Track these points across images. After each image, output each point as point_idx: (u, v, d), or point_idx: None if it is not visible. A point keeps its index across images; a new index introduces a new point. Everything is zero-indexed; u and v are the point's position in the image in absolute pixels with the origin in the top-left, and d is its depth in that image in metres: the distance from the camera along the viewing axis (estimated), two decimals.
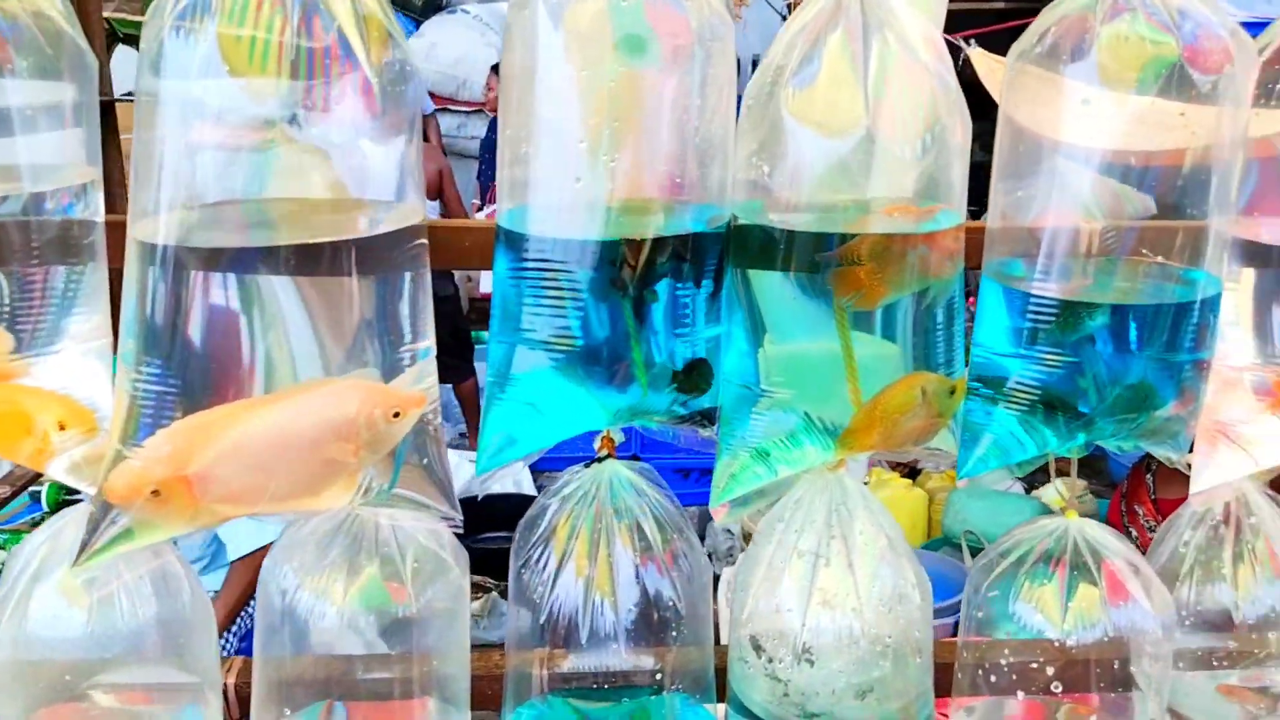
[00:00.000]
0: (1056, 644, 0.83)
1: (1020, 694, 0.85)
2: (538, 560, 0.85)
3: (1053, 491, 4.74)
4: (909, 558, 0.84)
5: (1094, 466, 5.46)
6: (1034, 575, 0.85)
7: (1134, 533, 3.83)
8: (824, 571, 0.82)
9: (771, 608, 0.84)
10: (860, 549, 0.83)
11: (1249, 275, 0.80)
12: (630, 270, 0.71)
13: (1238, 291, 0.80)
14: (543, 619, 0.84)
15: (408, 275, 0.74)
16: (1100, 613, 0.82)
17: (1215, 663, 0.89)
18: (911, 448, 0.81)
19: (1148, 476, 3.83)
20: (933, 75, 0.73)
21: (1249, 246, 0.80)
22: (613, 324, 0.73)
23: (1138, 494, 3.84)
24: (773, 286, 0.76)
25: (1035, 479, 5.17)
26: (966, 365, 0.80)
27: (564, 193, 0.69)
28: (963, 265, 0.79)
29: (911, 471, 4.57)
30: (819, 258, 0.76)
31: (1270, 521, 0.89)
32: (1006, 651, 0.85)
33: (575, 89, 0.70)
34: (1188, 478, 1.49)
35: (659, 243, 0.72)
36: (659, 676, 0.86)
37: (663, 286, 0.73)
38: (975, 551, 2.97)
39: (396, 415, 0.72)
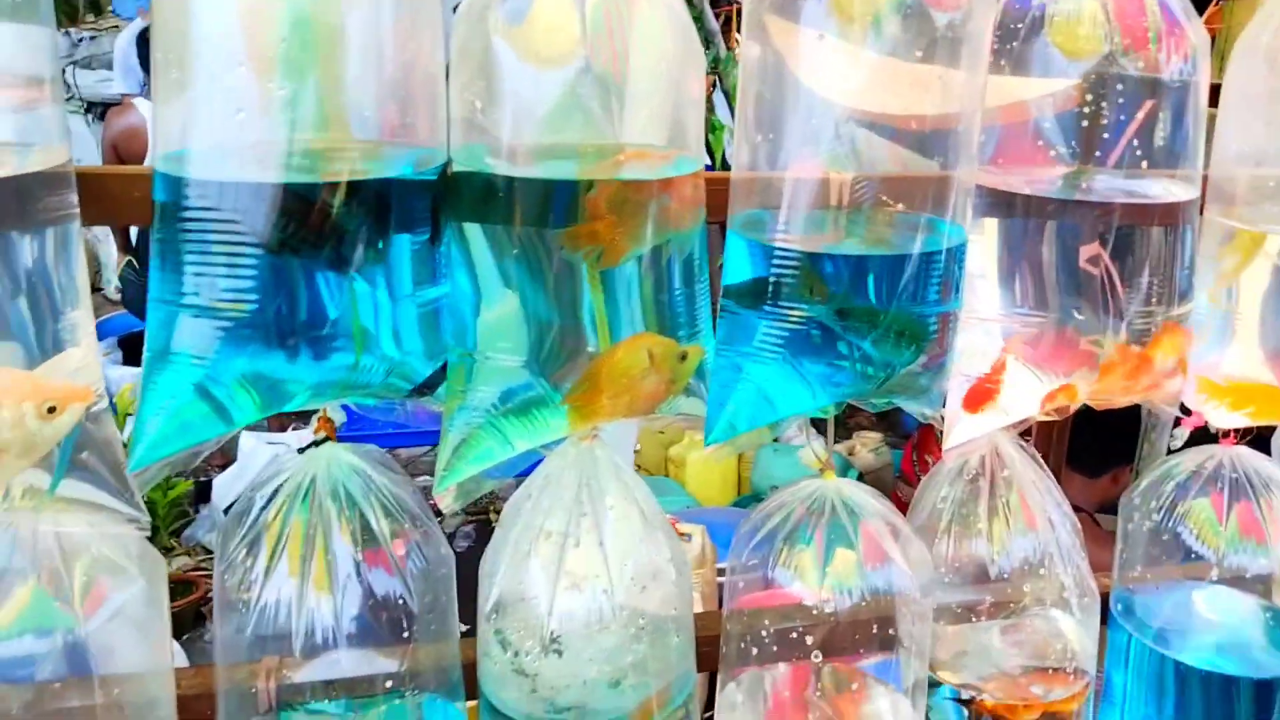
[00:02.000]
0: (815, 610, 0.79)
1: (781, 663, 0.81)
2: (245, 561, 0.74)
3: (856, 444, 4.95)
4: (664, 530, 0.79)
5: (889, 418, 5.74)
6: (792, 540, 0.82)
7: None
8: (573, 553, 0.76)
9: (517, 596, 0.76)
10: (612, 525, 0.76)
11: (992, 225, 0.78)
12: (317, 221, 0.61)
13: (983, 242, 0.78)
14: (251, 628, 0.73)
15: (51, 231, 0.61)
16: (857, 576, 0.79)
17: (974, 617, 0.89)
18: (655, 413, 0.75)
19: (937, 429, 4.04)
20: (664, 12, 0.66)
21: (993, 195, 0.78)
22: (298, 284, 0.63)
23: (928, 444, 4.04)
24: (496, 242, 0.68)
25: (836, 435, 5.40)
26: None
27: (226, 129, 0.58)
28: (704, 218, 0.74)
29: None
30: (556, 211, 0.69)
31: (1023, 473, 0.89)
32: (767, 621, 0.81)
33: None
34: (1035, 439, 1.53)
35: (354, 189, 0.63)
36: (399, 679, 0.78)
37: (362, 240, 0.64)
38: None
39: (52, 411, 0.60)
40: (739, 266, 0.73)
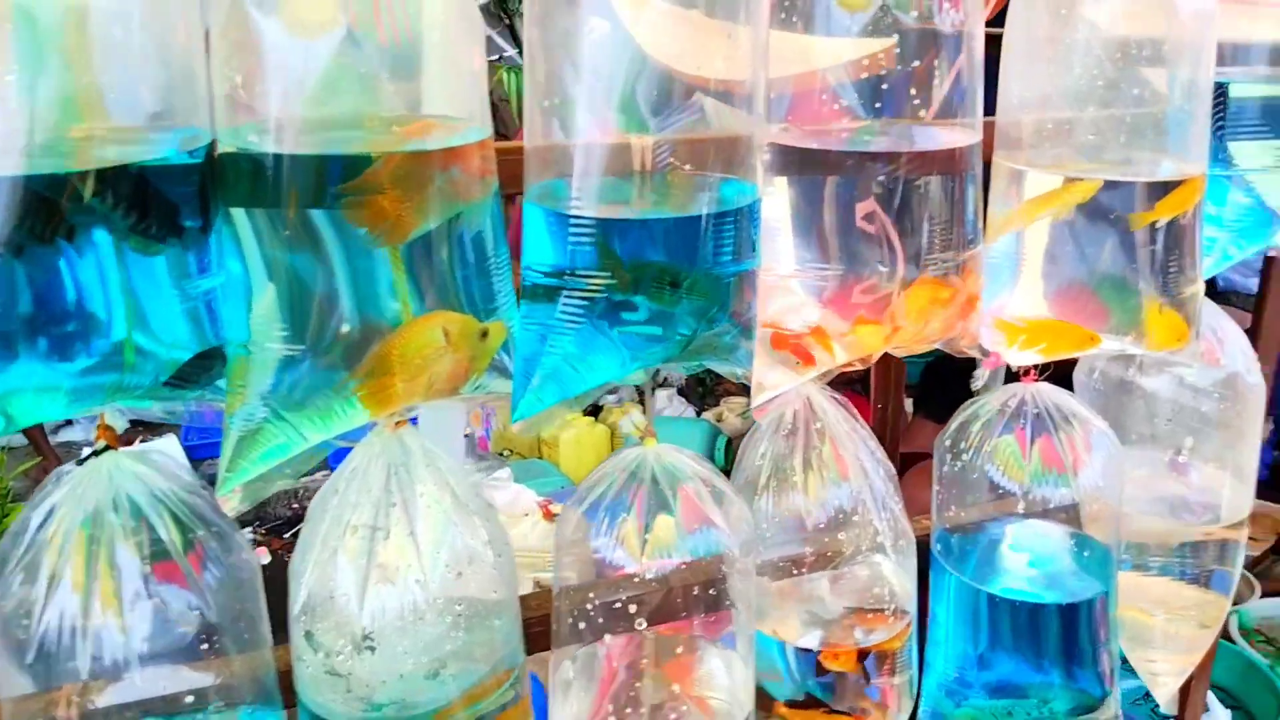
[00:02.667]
0: (637, 579, 0.79)
1: (611, 636, 0.81)
2: (23, 586, 0.68)
3: (724, 410, 5.04)
4: (482, 513, 0.77)
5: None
6: (613, 510, 0.81)
7: None
8: (383, 545, 0.73)
9: (325, 594, 0.73)
10: (423, 513, 0.74)
11: (783, 183, 0.79)
12: (68, 213, 0.56)
13: (776, 199, 0.79)
14: (35, 656, 0.68)
15: None
16: (677, 540, 0.80)
17: (798, 569, 0.90)
18: (459, 394, 0.73)
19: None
20: None
21: (784, 153, 0.78)
22: (51, 282, 0.58)
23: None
24: (269, 225, 0.64)
25: (706, 402, 5.50)
26: None
27: None
28: (496, 188, 0.71)
29: (594, 409, 4.67)
30: (335, 188, 0.65)
31: (835, 424, 0.90)
32: (592, 595, 0.80)
33: None
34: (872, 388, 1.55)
35: (107, 177, 0.58)
36: (206, 694, 0.73)
37: (120, 231, 0.59)
38: None
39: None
40: (537, 237, 0.71)
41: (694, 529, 0.80)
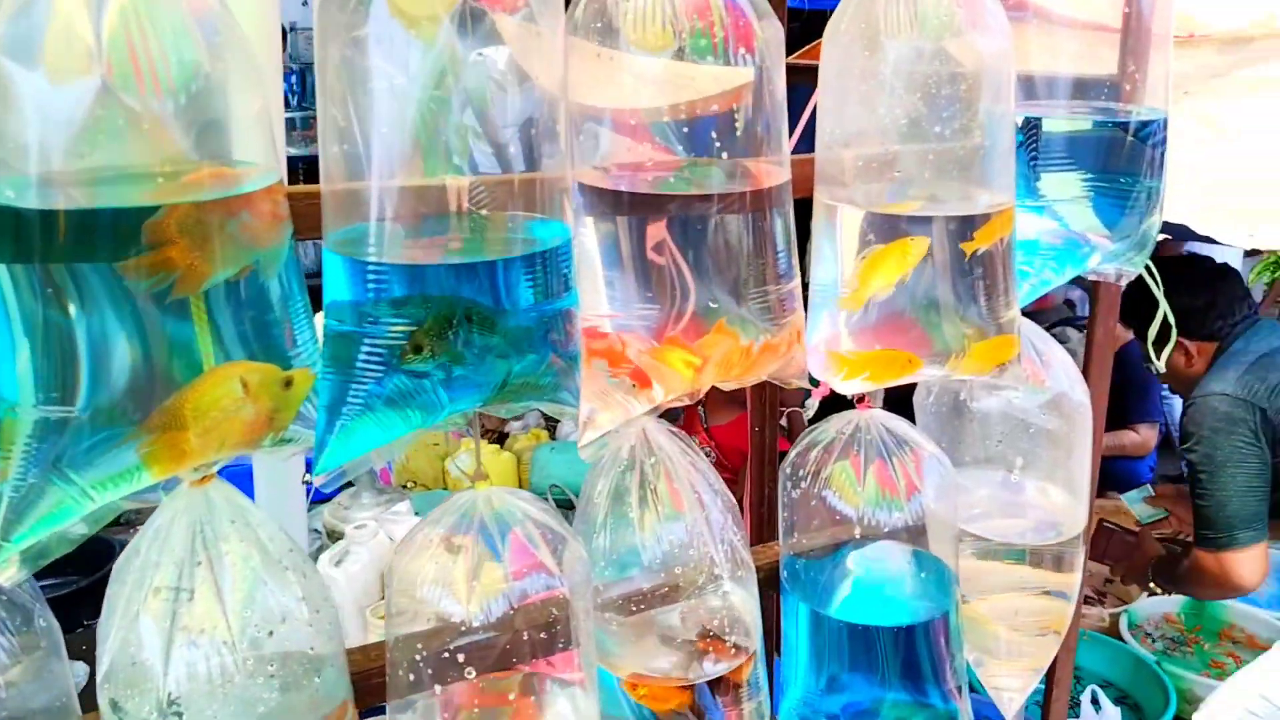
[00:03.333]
0: (464, 626, 0.78)
1: (438, 686, 0.79)
2: None
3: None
4: (297, 567, 0.75)
5: None
6: (438, 557, 0.80)
7: None
8: (187, 606, 0.70)
9: (128, 660, 0.70)
10: (230, 571, 0.72)
11: (598, 223, 0.79)
12: None
13: (590, 240, 0.79)
14: None
15: None
16: (504, 587, 0.79)
17: (635, 607, 0.90)
18: (257, 448, 0.71)
19: (699, 409, 4.18)
20: (194, 22, 0.62)
21: (595, 194, 0.79)
22: None
23: (692, 425, 4.17)
24: (32, 282, 0.61)
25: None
26: None
27: None
28: (290, 233, 0.70)
29: (499, 436, 4.62)
30: (109, 240, 0.63)
31: (670, 457, 0.91)
32: (419, 645, 0.79)
33: None
34: (735, 405, 1.56)
35: None
36: None
37: None
38: (561, 503, 3.06)
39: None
40: (337, 284, 0.70)
41: (523, 574, 0.80)
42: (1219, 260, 2.66)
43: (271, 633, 0.72)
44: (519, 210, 0.73)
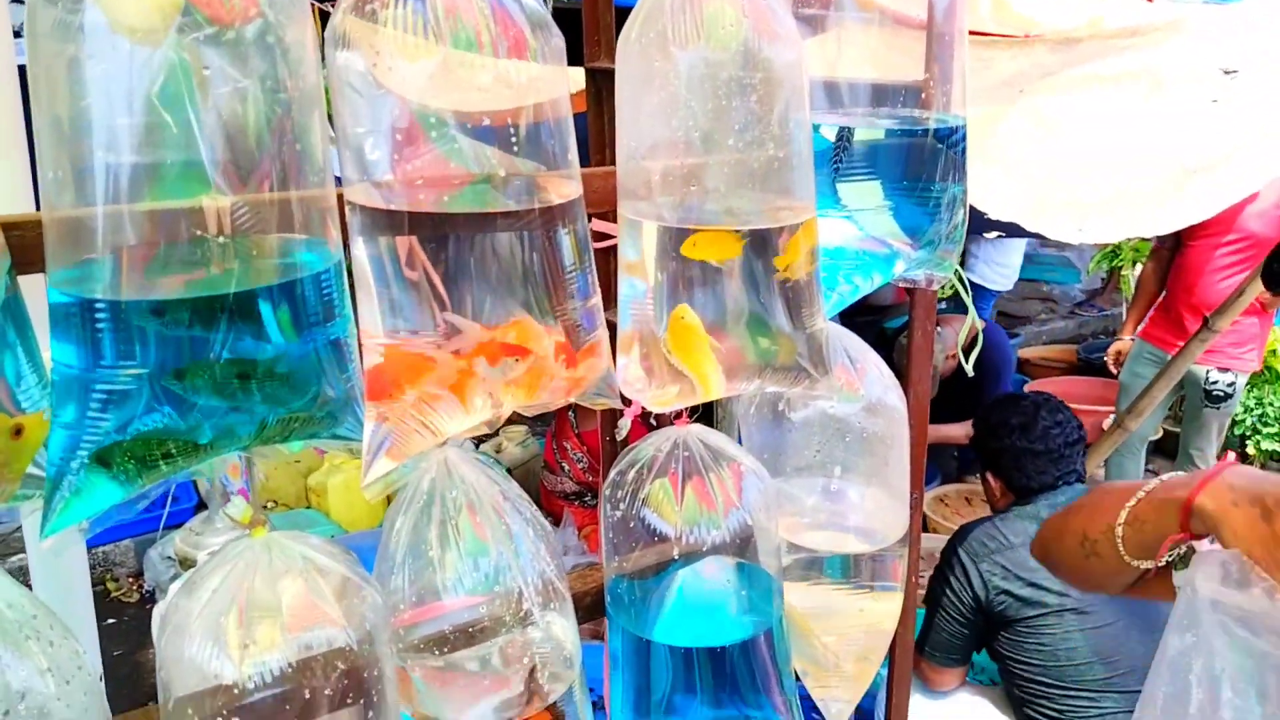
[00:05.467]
0: (236, 688, 0.72)
1: None
2: None
3: (503, 441, 4.96)
4: (39, 636, 0.67)
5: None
6: (210, 613, 0.73)
7: (566, 466, 4.13)
8: None
9: None
10: None
11: (366, 244, 0.74)
12: None
13: (361, 260, 0.74)
14: None
15: None
16: (281, 642, 0.73)
17: (438, 650, 0.86)
18: None
19: (570, 414, 4.14)
20: None
21: (368, 213, 0.74)
22: None
23: (564, 431, 4.13)
24: None
25: (482, 434, 5.40)
26: None
27: None
28: (8, 266, 0.63)
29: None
30: None
31: (475, 487, 0.87)
32: (189, 709, 0.72)
33: None
34: (604, 411, 1.52)
35: None
36: None
37: None
38: None
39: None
40: (61, 326, 0.63)
41: (304, 627, 0.74)
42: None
43: (7, 712, 0.64)
44: (275, 233, 0.67)
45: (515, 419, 5.51)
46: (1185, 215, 2.27)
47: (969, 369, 1.19)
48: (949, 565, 2.32)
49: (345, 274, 0.74)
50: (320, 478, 4.44)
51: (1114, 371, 4.20)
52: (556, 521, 3.73)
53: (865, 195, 0.94)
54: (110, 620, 3.75)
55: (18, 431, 0.64)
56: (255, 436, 0.69)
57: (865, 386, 1.04)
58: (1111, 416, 3.86)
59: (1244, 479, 0.88)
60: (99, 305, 0.62)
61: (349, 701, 0.77)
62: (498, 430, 5.21)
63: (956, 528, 2.41)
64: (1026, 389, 4.27)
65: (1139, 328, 3.93)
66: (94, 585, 3.99)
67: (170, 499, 3.87)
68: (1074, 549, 1.00)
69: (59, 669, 0.68)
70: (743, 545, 0.98)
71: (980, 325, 4.02)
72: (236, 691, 0.71)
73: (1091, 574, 1.00)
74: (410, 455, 0.78)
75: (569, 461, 4.13)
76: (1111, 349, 4.30)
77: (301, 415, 0.71)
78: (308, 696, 0.74)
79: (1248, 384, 4.01)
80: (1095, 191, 2.40)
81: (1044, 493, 2.36)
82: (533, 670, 0.88)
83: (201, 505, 4.20)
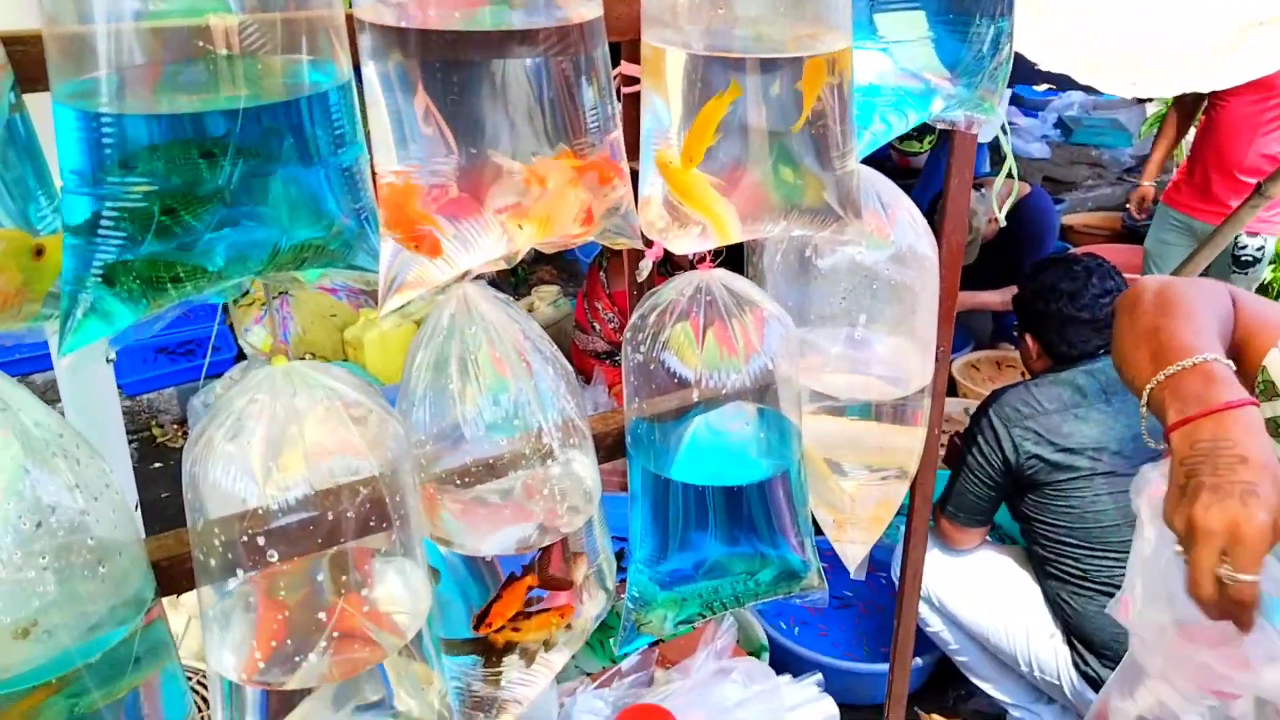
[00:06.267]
0: (261, 511, 0.73)
1: (241, 571, 0.76)
2: None
3: (535, 300, 4.98)
4: (66, 454, 0.69)
5: (566, 270, 5.84)
6: (239, 440, 0.75)
7: (597, 326, 4.15)
8: None
9: None
10: None
11: (390, 67, 0.71)
12: None
13: (373, 84, 0.71)
14: None
15: None
16: (304, 468, 0.74)
17: (461, 480, 0.87)
18: (14, 324, 0.65)
19: (601, 274, 4.13)
20: None
21: (383, 34, 0.71)
22: None
23: (595, 291, 4.14)
24: None
25: (519, 291, 5.42)
26: None
27: None
28: (11, 81, 0.61)
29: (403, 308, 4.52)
30: None
31: (494, 325, 0.86)
32: (218, 531, 0.75)
33: None
34: (632, 271, 1.51)
35: None
36: None
37: None
38: None
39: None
40: (70, 142, 0.62)
41: (327, 454, 0.75)
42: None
43: (40, 524, 0.66)
44: (283, 54, 0.65)
45: (548, 278, 5.51)
46: (1245, 70, 2.14)
47: (1001, 218, 1.15)
48: (979, 428, 2.31)
49: (356, 99, 0.71)
50: (356, 331, 4.51)
51: (1137, 218, 4.08)
52: (588, 380, 3.77)
53: (905, 26, 0.89)
54: (156, 465, 3.89)
55: (39, 252, 0.64)
56: (267, 263, 0.68)
57: (896, 233, 1.01)
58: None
59: (1214, 439, 0.88)
60: (106, 119, 0.60)
61: (373, 527, 0.79)
62: (530, 288, 5.23)
63: (984, 393, 2.40)
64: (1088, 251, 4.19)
65: (1162, 191, 3.79)
66: (140, 431, 4.15)
67: (211, 349, 3.95)
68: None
69: (86, 486, 0.70)
70: (763, 390, 0.98)
71: (1026, 188, 3.91)
72: (261, 515, 0.73)
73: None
74: (426, 288, 0.77)
75: (600, 321, 4.15)
76: (1135, 195, 4.16)
77: (315, 244, 0.70)
78: (332, 521, 0.76)
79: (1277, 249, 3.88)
80: (1150, 43, 2.27)
81: (1083, 360, 2.33)
82: (552, 503, 0.90)
83: (241, 355, 4.29)
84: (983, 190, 3.40)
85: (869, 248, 1.00)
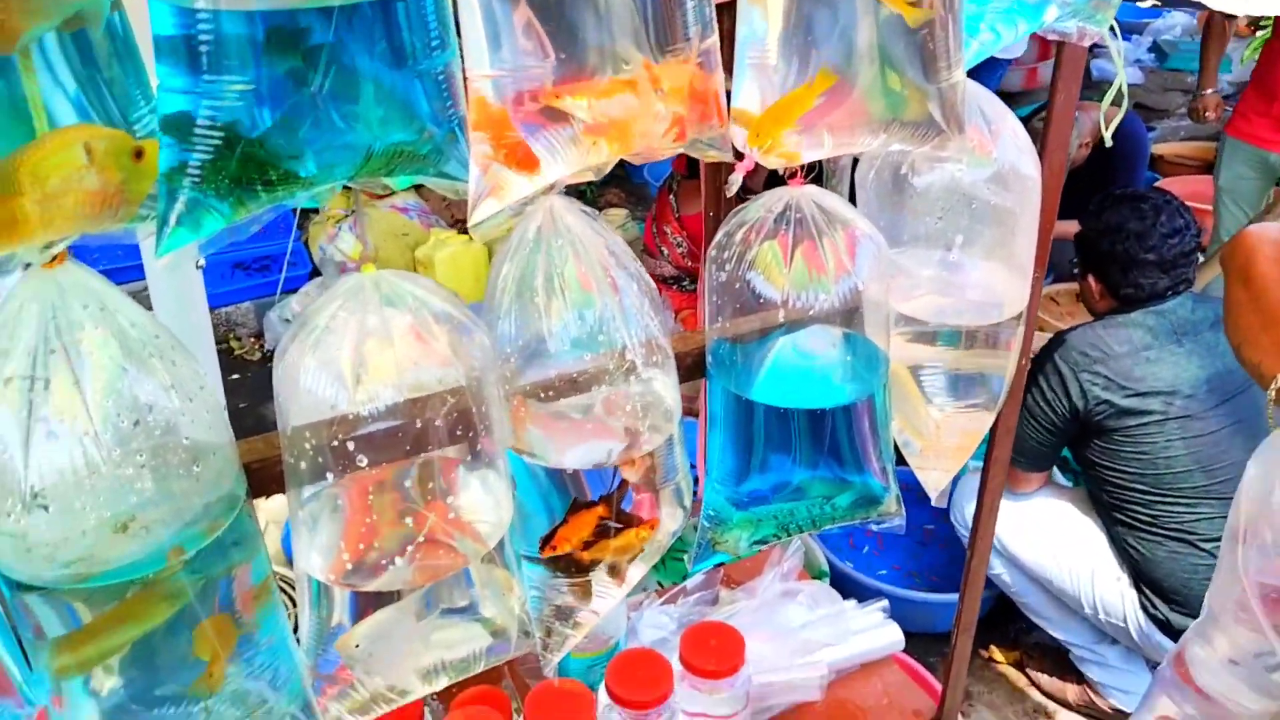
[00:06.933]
0: (351, 416, 0.74)
1: (330, 475, 0.77)
2: None
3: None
4: (165, 354, 0.70)
5: (635, 194, 5.79)
6: (327, 351, 0.75)
7: (665, 250, 4.11)
8: (43, 396, 0.66)
9: None
10: (88, 360, 0.67)
11: None
12: None
13: None
14: None
15: None
16: (394, 375, 0.74)
17: (544, 394, 0.87)
18: (109, 226, 0.65)
19: (671, 198, 4.08)
20: None
21: None
22: None
23: (664, 215, 4.09)
24: None
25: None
26: None
27: None
28: None
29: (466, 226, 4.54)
30: None
31: (581, 240, 0.84)
32: (308, 435, 0.76)
33: None
34: (710, 191, 1.48)
35: None
36: None
37: None
38: None
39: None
40: (164, 40, 0.61)
41: (414, 362, 0.75)
42: None
43: (137, 422, 0.68)
44: None
45: (617, 201, 5.47)
46: None
47: (1108, 137, 1.09)
48: (1044, 373, 2.24)
49: (450, 2, 0.69)
50: (427, 250, 4.54)
51: (1209, 118, 3.88)
52: None
53: None
54: (234, 376, 4.00)
55: (139, 154, 0.64)
56: (359, 168, 0.67)
57: (999, 150, 0.97)
58: (1223, 224, 3.55)
59: None
60: (202, 15, 0.59)
61: (458, 437, 0.79)
62: (600, 211, 5.20)
63: (1064, 328, 2.32)
64: (1156, 187, 3.99)
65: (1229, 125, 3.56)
66: (219, 344, 4.26)
67: (287, 264, 4.02)
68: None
69: (182, 386, 0.70)
70: (851, 313, 0.95)
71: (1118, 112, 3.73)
72: (350, 420, 0.74)
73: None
74: (515, 199, 0.76)
75: (668, 245, 4.11)
76: (1200, 104, 3.93)
77: (406, 150, 0.69)
78: (418, 429, 0.76)
79: None
80: None
81: (1151, 302, 2.22)
82: (634, 420, 0.89)
83: (316, 272, 4.36)
84: (1076, 113, 3.26)
85: (970, 165, 0.96)
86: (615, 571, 0.91)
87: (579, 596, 0.91)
